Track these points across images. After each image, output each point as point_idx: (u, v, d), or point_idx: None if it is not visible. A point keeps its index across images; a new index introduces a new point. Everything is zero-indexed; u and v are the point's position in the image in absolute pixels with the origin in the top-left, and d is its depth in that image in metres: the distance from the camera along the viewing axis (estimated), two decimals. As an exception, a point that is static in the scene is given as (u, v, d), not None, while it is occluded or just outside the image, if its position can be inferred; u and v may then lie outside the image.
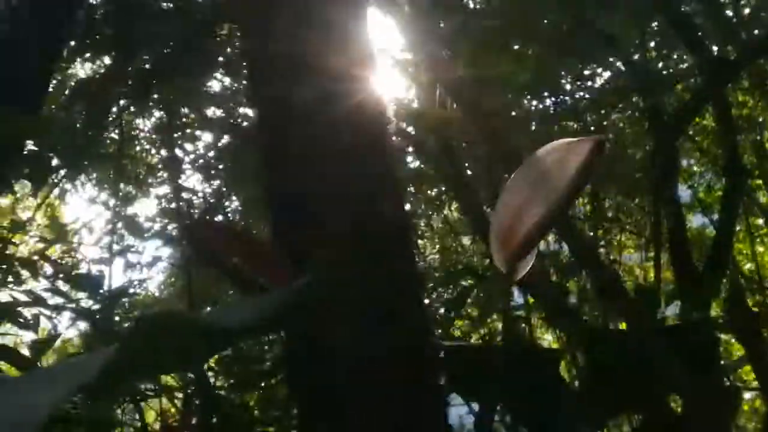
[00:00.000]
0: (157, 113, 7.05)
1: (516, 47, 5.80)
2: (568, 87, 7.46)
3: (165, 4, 4.42)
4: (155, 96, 5.94)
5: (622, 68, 6.93)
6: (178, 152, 6.44)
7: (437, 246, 10.32)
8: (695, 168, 10.15)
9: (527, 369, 1.47)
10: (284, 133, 2.75)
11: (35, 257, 4.01)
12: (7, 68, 3.54)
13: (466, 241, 9.88)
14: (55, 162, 3.08)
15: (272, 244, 1.54)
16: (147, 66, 3.36)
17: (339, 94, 2.72)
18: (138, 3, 3.31)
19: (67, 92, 5.14)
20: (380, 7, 4.25)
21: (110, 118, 6.46)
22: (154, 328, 0.88)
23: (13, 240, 3.92)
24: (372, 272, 2.47)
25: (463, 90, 5.02)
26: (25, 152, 3.25)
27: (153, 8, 3.59)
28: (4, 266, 3.68)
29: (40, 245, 5.39)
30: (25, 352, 3.31)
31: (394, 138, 6.00)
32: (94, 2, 4.69)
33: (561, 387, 1.59)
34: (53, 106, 4.91)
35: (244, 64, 3.10)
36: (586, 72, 7.34)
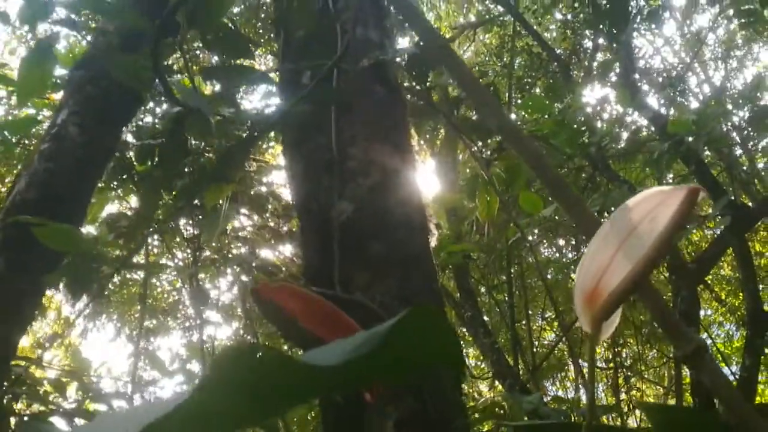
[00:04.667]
0: (180, 254, 7.13)
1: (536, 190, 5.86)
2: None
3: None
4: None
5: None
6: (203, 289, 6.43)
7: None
8: (713, 318, 10.10)
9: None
10: (327, 244, 2.82)
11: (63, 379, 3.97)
12: (52, 184, 3.63)
13: (483, 387, 9.73)
14: (92, 271, 3.07)
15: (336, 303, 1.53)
16: (173, 203, 3.42)
17: (385, 194, 2.79)
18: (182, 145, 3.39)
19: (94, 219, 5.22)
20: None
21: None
22: (236, 368, 0.80)
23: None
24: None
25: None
26: (65, 262, 3.27)
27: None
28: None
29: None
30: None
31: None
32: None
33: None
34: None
35: (287, 171, 3.15)
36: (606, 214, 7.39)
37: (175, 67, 3.57)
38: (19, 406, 3.65)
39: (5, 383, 3.43)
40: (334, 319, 1.46)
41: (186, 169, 3.19)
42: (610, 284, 1.24)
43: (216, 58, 3.14)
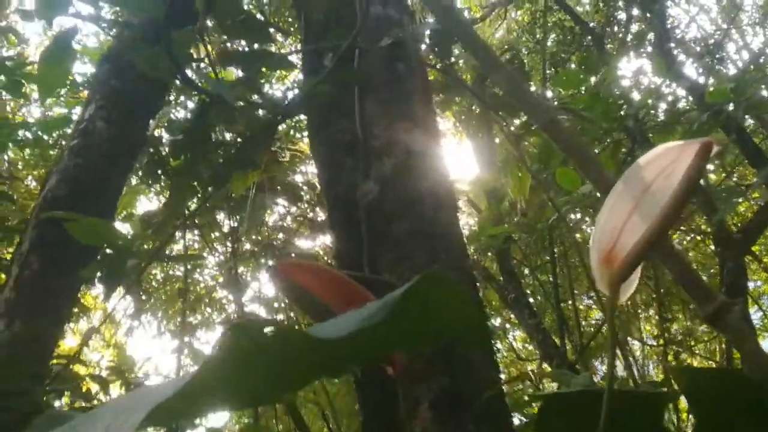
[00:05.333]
0: (220, 248, 7.16)
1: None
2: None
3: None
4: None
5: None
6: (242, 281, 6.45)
7: (503, 374, 10.10)
8: (763, 289, 9.92)
9: (629, 418, 1.34)
10: (355, 224, 2.81)
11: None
12: (82, 179, 3.66)
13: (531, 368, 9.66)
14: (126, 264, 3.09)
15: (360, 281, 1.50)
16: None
17: (410, 175, 2.76)
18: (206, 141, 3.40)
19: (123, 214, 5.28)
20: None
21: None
22: (243, 342, 0.78)
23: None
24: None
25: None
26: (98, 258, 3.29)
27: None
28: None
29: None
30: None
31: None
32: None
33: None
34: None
35: (312, 154, 3.14)
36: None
37: (198, 55, 3.56)
38: (61, 402, 3.67)
39: (46, 380, 3.46)
40: (355, 295, 1.44)
41: (212, 159, 3.19)
42: (626, 244, 1.21)
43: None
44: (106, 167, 3.74)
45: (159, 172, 4.75)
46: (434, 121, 3.18)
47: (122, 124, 3.81)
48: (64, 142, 6.67)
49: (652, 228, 1.17)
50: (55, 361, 3.70)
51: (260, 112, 3.02)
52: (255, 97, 3.04)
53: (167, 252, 5.89)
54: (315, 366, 0.94)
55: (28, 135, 5.47)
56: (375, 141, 2.88)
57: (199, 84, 2.73)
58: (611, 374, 1.34)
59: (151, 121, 4.27)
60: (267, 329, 0.80)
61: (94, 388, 3.94)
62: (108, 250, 3.16)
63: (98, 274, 3.19)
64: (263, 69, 3.20)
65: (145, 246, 3.30)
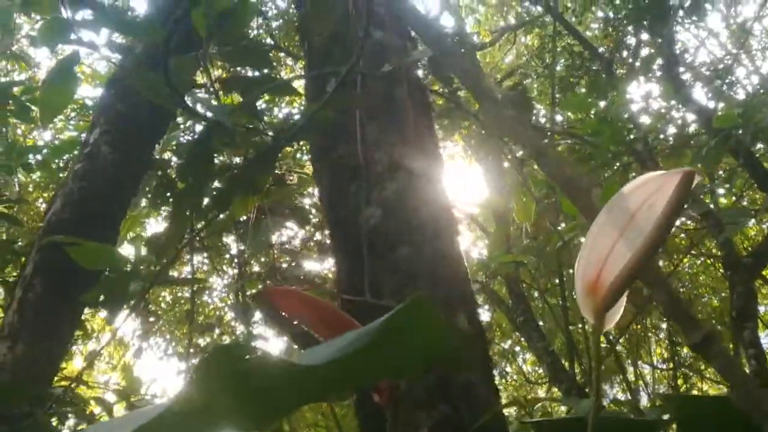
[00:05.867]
0: (229, 271, 7.19)
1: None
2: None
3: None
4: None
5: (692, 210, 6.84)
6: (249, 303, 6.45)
7: (511, 397, 10.07)
8: (773, 312, 9.86)
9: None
10: (358, 249, 2.81)
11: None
12: (87, 203, 3.68)
13: (541, 392, 9.62)
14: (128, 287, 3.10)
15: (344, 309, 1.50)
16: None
17: (412, 198, 2.77)
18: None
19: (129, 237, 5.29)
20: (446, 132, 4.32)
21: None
22: (222, 369, 0.78)
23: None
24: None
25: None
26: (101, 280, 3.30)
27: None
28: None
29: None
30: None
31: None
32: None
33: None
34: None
35: (315, 179, 3.16)
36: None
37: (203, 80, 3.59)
38: (64, 426, 3.68)
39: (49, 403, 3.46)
40: (338, 322, 1.44)
41: (214, 183, 3.20)
42: (611, 273, 1.22)
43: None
44: (111, 191, 3.76)
45: (168, 195, 4.77)
46: (436, 146, 3.19)
47: (127, 148, 3.83)
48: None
49: (636, 257, 1.19)
50: (58, 383, 3.71)
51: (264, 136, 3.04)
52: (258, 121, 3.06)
53: (174, 275, 5.90)
54: (297, 393, 0.95)
55: (39, 158, 5.51)
56: (377, 166, 2.89)
57: (199, 110, 2.75)
58: (597, 402, 1.35)
59: (157, 146, 4.29)
60: (248, 355, 0.80)
61: (100, 409, 3.94)
62: (110, 273, 3.17)
63: (101, 298, 3.20)
64: (266, 95, 3.22)
65: (152, 268, 3.31)
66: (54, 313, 3.47)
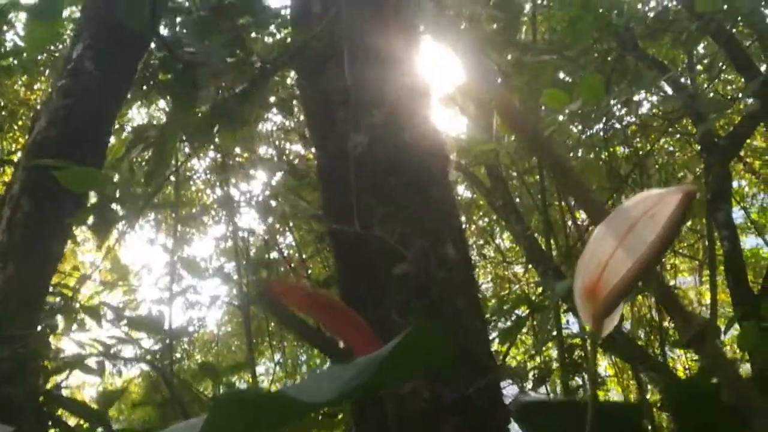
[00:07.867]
0: (211, 154, 7.16)
1: (568, 78, 5.77)
2: (617, 112, 7.32)
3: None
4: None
5: (671, 92, 6.84)
6: (233, 191, 6.48)
7: (490, 275, 10.26)
8: (747, 189, 10.00)
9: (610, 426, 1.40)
10: (346, 177, 2.80)
11: (98, 304, 4.05)
12: (72, 120, 3.64)
13: (518, 269, 9.81)
14: (117, 211, 3.10)
15: (346, 301, 1.53)
16: (205, 113, 3.38)
17: (399, 126, 2.76)
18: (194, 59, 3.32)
19: (123, 136, 5.23)
20: (433, 38, 4.25)
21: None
22: (233, 415, 0.79)
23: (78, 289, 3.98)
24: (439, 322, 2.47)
25: (516, 118, 4.99)
26: (89, 205, 3.31)
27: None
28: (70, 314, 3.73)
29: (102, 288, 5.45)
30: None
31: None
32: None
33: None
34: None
35: (303, 106, 3.12)
36: (636, 98, 7.22)
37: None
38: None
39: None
40: (343, 317, 1.48)
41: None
42: (611, 280, 1.25)
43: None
44: (96, 108, 3.71)
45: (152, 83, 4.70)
46: (425, 69, 3.15)
47: (111, 63, 3.76)
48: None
49: (637, 266, 1.22)
50: (51, 297, 3.75)
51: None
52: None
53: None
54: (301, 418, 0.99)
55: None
56: (365, 93, 2.86)
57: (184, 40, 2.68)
58: (594, 395, 1.41)
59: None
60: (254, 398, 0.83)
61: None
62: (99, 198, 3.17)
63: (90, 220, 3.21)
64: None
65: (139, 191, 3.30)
66: (43, 232, 3.47)
